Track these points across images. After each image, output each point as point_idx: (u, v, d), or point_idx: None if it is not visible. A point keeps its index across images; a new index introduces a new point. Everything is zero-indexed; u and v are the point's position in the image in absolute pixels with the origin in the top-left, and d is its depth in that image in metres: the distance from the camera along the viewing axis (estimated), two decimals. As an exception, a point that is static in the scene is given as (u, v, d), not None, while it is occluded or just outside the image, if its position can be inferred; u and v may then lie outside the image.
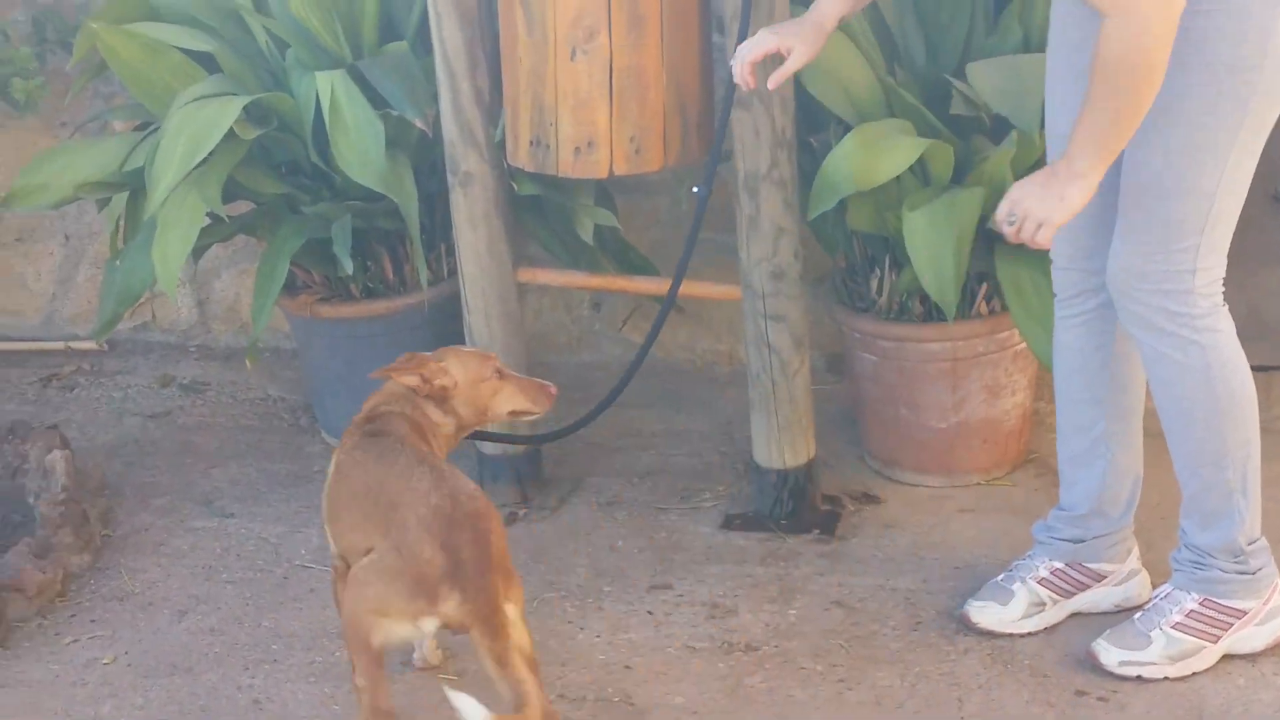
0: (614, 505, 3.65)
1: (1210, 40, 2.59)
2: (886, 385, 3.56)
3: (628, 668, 3.01)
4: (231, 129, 3.46)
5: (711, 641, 3.08)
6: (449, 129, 3.44)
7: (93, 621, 3.25)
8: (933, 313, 3.45)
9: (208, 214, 3.58)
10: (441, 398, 2.83)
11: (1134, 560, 3.13)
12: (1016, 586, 3.09)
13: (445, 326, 3.74)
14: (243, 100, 3.50)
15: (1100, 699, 2.85)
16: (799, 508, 3.49)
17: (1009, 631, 3.06)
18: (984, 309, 3.47)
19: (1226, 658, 2.92)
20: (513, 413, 2.91)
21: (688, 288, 3.34)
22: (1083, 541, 3.08)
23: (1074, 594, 3.09)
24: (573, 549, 3.46)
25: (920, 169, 3.31)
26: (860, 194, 3.27)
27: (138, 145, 3.67)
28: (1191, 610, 2.90)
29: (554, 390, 2.92)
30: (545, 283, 3.66)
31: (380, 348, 3.76)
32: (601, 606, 3.23)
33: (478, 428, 2.96)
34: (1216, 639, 2.90)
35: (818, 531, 3.45)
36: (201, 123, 3.46)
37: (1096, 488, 3.04)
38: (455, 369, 2.84)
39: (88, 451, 3.97)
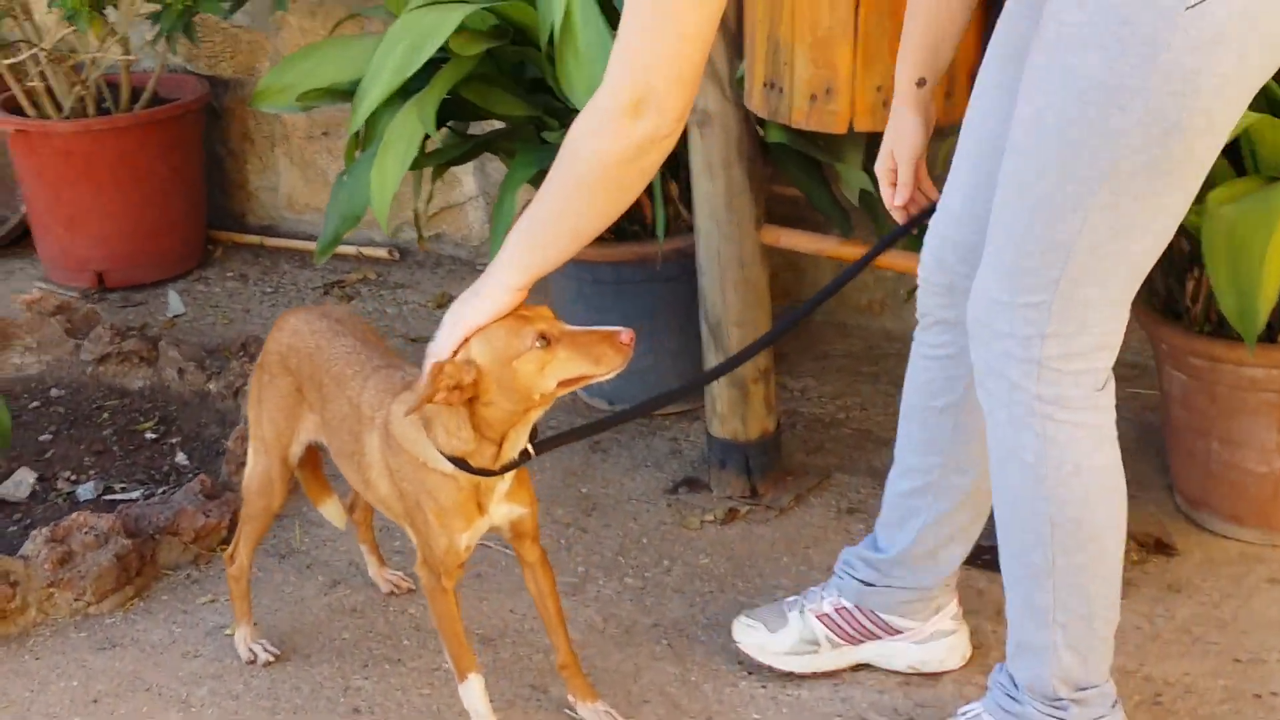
0: (855, 512, 3.10)
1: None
2: (1197, 411, 2.86)
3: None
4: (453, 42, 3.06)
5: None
6: (686, 58, 2.91)
7: (241, 579, 2.97)
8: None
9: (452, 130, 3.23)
10: (474, 395, 2.18)
11: (945, 620, 2.53)
12: (794, 615, 2.54)
13: (686, 281, 3.26)
14: (465, 9, 3.08)
15: None
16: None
17: (769, 664, 2.53)
18: (1327, 332, 2.73)
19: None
20: (566, 383, 2.16)
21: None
22: (874, 587, 2.50)
23: (861, 641, 2.53)
24: (785, 563, 2.94)
25: (1243, 149, 2.60)
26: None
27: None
28: None
29: (626, 338, 2.12)
30: (790, 246, 3.07)
31: (625, 295, 3.37)
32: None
33: (537, 407, 2.20)
34: None
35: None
36: (420, 32, 3.07)
37: (908, 539, 2.45)
38: (478, 354, 2.15)
39: (327, 375, 3.69)
